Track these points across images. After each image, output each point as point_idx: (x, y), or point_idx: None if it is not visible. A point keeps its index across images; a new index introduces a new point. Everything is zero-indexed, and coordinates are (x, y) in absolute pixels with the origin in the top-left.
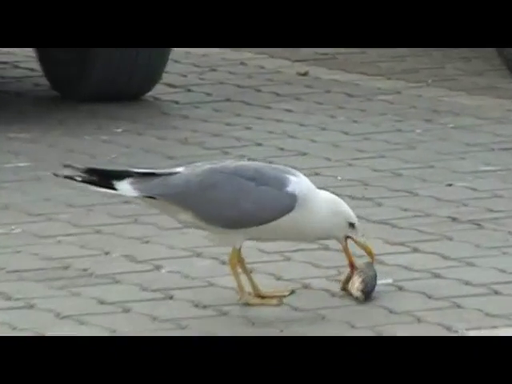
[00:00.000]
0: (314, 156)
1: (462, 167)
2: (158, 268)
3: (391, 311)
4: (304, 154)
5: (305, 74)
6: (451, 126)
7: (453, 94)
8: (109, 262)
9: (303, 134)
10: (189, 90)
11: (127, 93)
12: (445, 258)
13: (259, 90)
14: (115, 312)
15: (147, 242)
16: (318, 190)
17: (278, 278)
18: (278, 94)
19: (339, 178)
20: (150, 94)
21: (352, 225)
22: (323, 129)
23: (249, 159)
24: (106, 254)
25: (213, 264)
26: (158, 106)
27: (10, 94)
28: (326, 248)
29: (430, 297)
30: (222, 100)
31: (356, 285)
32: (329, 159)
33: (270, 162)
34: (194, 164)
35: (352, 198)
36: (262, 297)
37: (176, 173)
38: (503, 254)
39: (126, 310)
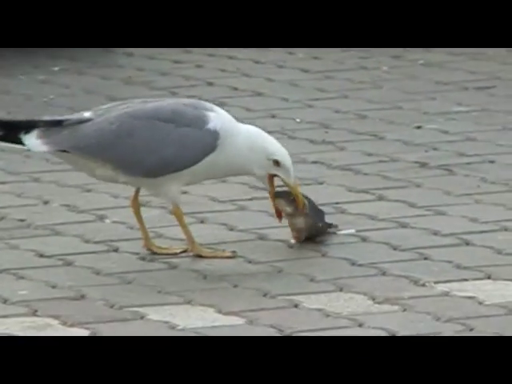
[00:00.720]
0: (271, 96)
1: (432, 108)
2: (101, 218)
3: (354, 263)
4: (259, 94)
5: None
6: (421, 62)
7: None
8: (48, 212)
9: (258, 72)
10: None
11: None
12: (412, 206)
13: None
14: (56, 265)
15: (89, 191)
16: (240, 124)
17: (231, 229)
18: None
19: (298, 120)
20: None
21: (276, 162)
22: (280, 66)
23: (199, 99)
24: (45, 203)
25: (161, 213)
26: None
27: None
28: None
29: (395, 248)
30: None
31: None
32: (286, 100)
33: (221, 103)
34: (104, 107)
35: (312, 141)
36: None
37: (86, 120)
38: (475, 202)
39: (68, 263)
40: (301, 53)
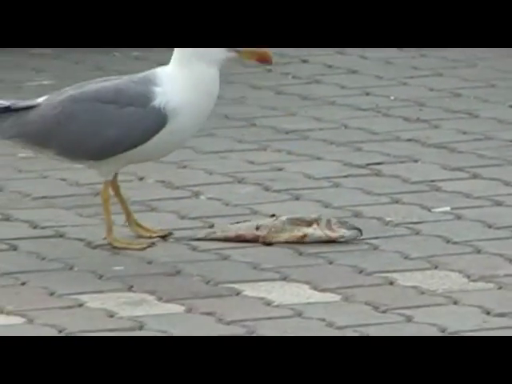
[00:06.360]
0: (365, 74)
1: None
2: (196, 195)
3: (449, 241)
4: (354, 71)
5: None
6: None
7: None
8: (144, 188)
9: (353, 49)
10: None
11: None
12: (507, 184)
13: None
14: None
15: (185, 167)
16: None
17: (326, 206)
18: None
19: (392, 97)
20: None
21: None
22: None
23: (293, 77)
24: (141, 179)
25: (256, 190)
26: None
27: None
28: (379, 174)
29: (490, 226)
30: None
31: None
32: (380, 77)
33: (316, 81)
34: (59, 91)
35: (406, 119)
36: (144, 229)
37: (34, 105)
38: None
39: (164, 239)
40: None
